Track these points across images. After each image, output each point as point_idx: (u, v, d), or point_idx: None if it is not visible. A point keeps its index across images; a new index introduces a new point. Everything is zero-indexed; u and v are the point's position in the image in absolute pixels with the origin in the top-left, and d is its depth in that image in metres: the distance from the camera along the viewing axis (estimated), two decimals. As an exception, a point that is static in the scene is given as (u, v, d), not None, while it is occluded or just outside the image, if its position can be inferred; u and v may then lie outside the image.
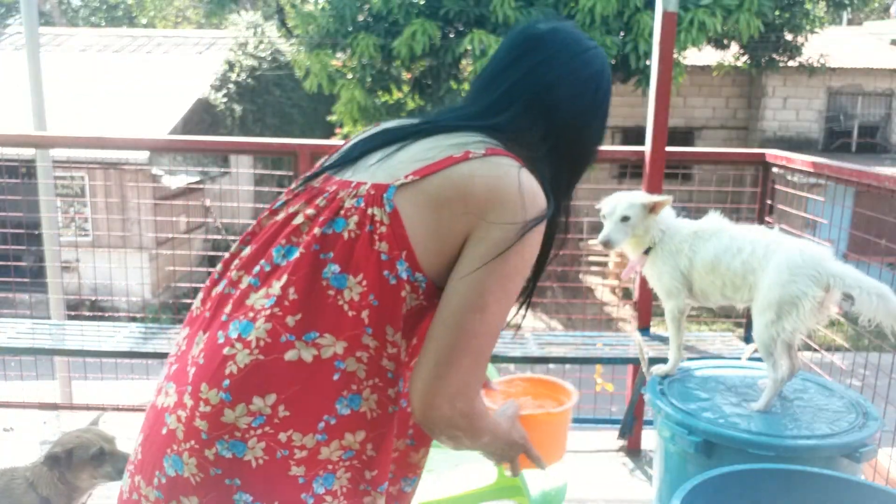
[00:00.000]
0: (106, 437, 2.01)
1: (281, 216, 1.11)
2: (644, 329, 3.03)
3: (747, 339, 3.22)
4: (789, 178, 3.69)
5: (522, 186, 1.03)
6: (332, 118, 9.48)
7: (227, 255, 1.17)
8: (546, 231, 1.10)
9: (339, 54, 9.04)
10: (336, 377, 1.01)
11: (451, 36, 8.61)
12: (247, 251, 1.11)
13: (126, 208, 8.67)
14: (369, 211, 1.02)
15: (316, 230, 1.04)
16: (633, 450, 3.15)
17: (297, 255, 1.03)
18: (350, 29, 8.65)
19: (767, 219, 3.17)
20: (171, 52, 14.37)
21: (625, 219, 2.27)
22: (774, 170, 3.17)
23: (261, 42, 14.58)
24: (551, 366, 3.75)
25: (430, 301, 1.05)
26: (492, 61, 1.19)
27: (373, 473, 1.06)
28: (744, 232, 2.21)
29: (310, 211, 1.07)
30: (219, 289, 1.12)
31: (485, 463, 1.88)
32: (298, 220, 1.07)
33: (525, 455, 1.24)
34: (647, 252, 2.32)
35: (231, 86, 13.24)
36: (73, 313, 4.88)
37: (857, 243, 3.30)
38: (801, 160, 2.94)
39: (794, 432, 1.94)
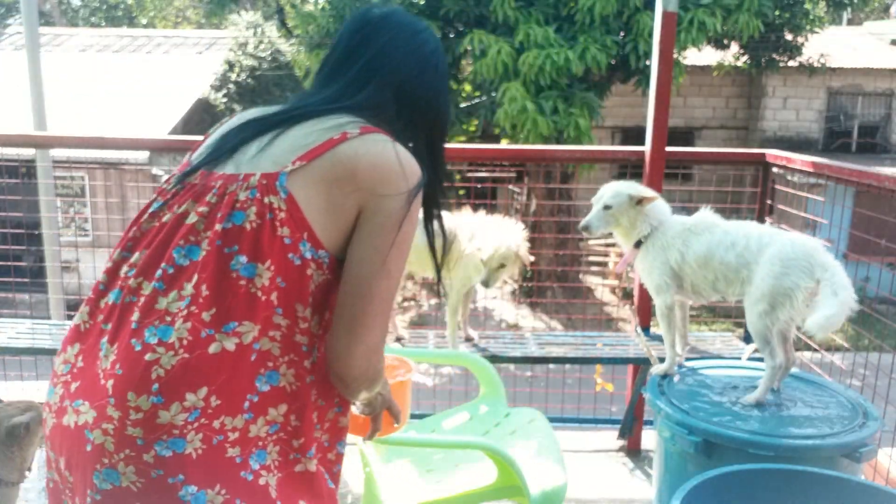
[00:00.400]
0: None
1: (167, 217, 1.12)
2: (644, 329, 3.03)
3: (747, 339, 3.21)
4: (789, 178, 3.69)
5: (400, 158, 1.13)
6: (332, 118, 9.48)
7: (109, 263, 1.16)
8: (425, 195, 1.22)
9: (339, 54, 9.03)
10: (253, 358, 1.06)
11: (451, 36, 8.61)
12: (137, 257, 1.12)
13: (126, 208, 8.64)
14: (266, 200, 1.08)
15: (217, 226, 1.07)
16: (633, 450, 3.15)
17: (202, 253, 1.07)
18: (350, 29, 8.65)
19: (767, 219, 3.17)
20: (171, 52, 14.37)
21: (607, 207, 2.32)
22: (774, 170, 3.17)
23: (261, 42, 14.58)
24: (551, 366, 3.75)
25: (334, 274, 1.12)
26: (335, 47, 1.29)
27: (300, 442, 1.12)
28: (737, 226, 2.23)
29: (202, 208, 1.10)
30: (110, 299, 1.11)
31: (485, 462, 1.88)
32: (191, 219, 1.10)
33: (388, 410, 1.40)
34: (638, 246, 2.34)
35: (231, 86, 13.24)
36: (73, 313, 4.87)
37: (857, 243, 3.30)
38: (801, 160, 2.94)
39: (794, 432, 1.94)
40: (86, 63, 13.12)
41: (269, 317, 1.07)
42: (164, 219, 1.12)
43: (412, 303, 10.92)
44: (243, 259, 1.06)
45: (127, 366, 1.04)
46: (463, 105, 9.23)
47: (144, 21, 23.34)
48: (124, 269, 1.13)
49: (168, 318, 1.05)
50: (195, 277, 1.06)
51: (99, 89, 11.59)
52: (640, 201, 2.30)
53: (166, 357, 1.03)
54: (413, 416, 3.50)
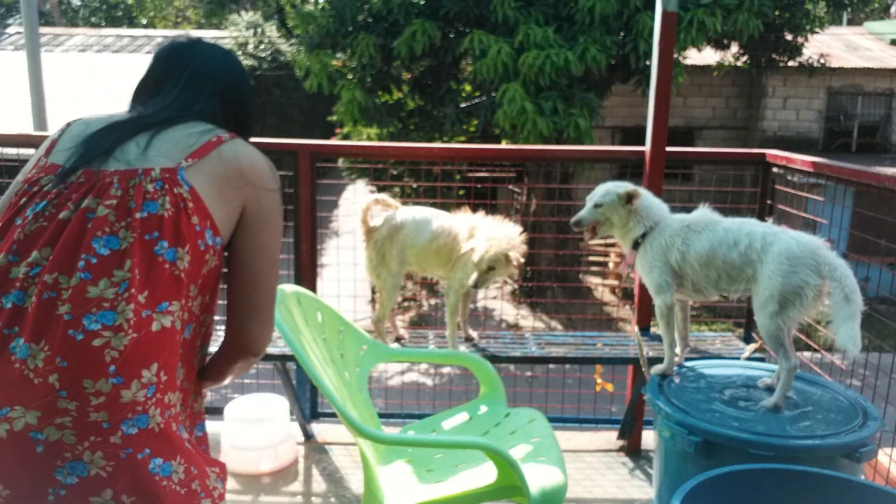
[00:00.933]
0: None
1: (66, 214, 1.17)
2: (644, 329, 3.03)
3: (747, 339, 3.22)
4: (789, 178, 3.69)
5: (265, 158, 1.33)
6: (333, 118, 9.47)
7: None
8: None
9: (339, 54, 9.02)
10: (179, 336, 1.19)
11: (451, 36, 8.60)
12: (37, 256, 1.13)
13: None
14: (176, 191, 1.20)
15: (136, 215, 1.17)
16: (633, 450, 3.15)
17: (123, 242, 1.15)
18: (350, 29, 8.64)
19: (767, 218, 3.16)
20: (171, 52, 14.30)
21: (597, 205, 2.35)
22: (774, 170, 3.17)
23: (261, 42, 14.57)
24: (551, 366, 3.75)
25: (220, 261, 1.26)
26: (152, 69, 1.43)
27: (196, 408, 1.29)
28: (738, 224, 2.22)
29: (109, 202, 1.18)
30: (6, 304, 1.11)
31: (485, 463, 1.88)
32: (101, 212, 1.17)
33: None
34: (636, 247, 2.35)
35: (231, 86, 13.20)
36: None
37: (857, 243, 3.30)
38: (801, 160, 2.94)
39: (794, 432, 1.94)
40: (86, 63, 13.11)
41: (186, 296, 1.19)
42: (62, 216, 1.17)
43: (412, 303, 10.91)
44: (165, 244, 1.17)
45: (73, 356, 1.07)
46: (463, 105, 9.22)
47: (144, 21, 23.34)
48: (21, 270, 1.13)
49: (106, 304, 1.11)
50: (127, 263, 1.13)
51: (99, 89, 11.58)
52: (629, 199, 2.31)
53: (116, 339, 1.09)
54: (413, 416, 3.51)
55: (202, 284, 1.23)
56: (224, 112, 1.40)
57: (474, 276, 2.59)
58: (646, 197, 2.36)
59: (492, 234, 2.59)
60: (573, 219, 2.39)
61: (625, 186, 2.34)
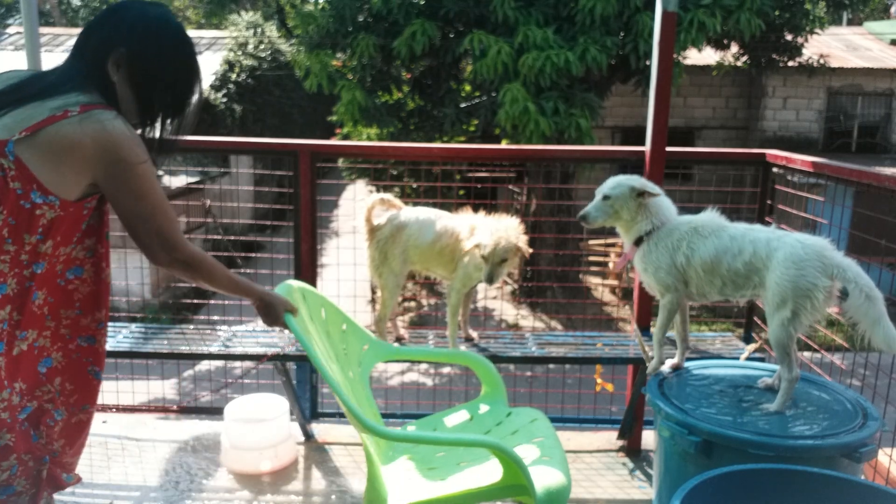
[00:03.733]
0: None
1: None
2: (643, 329, 3.03)
3: (747, 339, 3.22)
4: (789, 178, 3.69)
5: (116, 131, 1.44)
6: (333, 118, 9.48)
7: None
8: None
9: (339, 54, 9.03)
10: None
11: (451, 36, 8.60)
12: None
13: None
14: (0, 160, 1.41)
15: None
16: (633, 450, 3.15)
17: None
18: (350, 29, 8.64)
19: (767, 218, 3.17)
20: (171, 52, 14.30)
21: (606, 197, 2.30)
22: (774, 170, 3.17)
23: (261, 42, 14.58)
24: (551, 366, 3.75)
25: (66, 210, 1.45)
26: (81, 33, 1.57)
27: (20, 331, 1.48)
28: (742, 232, 2.19)
29: None
30: None
31: (489, 462, 1.88)
32: None
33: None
34: (638, 243, 2.31)
35: (231, 86, 13.24)
36: None
37: (857, 243, 3.29)
38: (801, 160, 2.94)
39: (794, 432, 1.94)
40: (86, 63, 13.09)
41: (19, 242, 1.44)
42: None
43: (412, 303, 10.91)
44: None
45: None
46: (463, 105, 9.23)
47: (144, 21, 23.26)
48: None
49: None
50: None
51: (99, 89, 11.56)
52: (641, 194, 2.27)
53: None
54: (412, 416, 3.51)
55: (50, 229, 1.45)
56: (127, 82, 1.52)
57: (486, 269, 2.59)
58: (661, 195, 2.33)
59: (495, 228, 2.60)
60: (581, 212, 2.35)
61: (639, 181, 2.32)
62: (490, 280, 2.60)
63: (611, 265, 10.38)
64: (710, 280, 2.21)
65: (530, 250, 2.65)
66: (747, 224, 2.27)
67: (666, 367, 2.40)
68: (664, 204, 2.33)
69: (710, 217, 2.28)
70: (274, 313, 1.85)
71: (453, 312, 2.80)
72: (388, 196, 2.85)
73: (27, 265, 1.47)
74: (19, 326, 1.48)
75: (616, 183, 2.31)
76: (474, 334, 2.98)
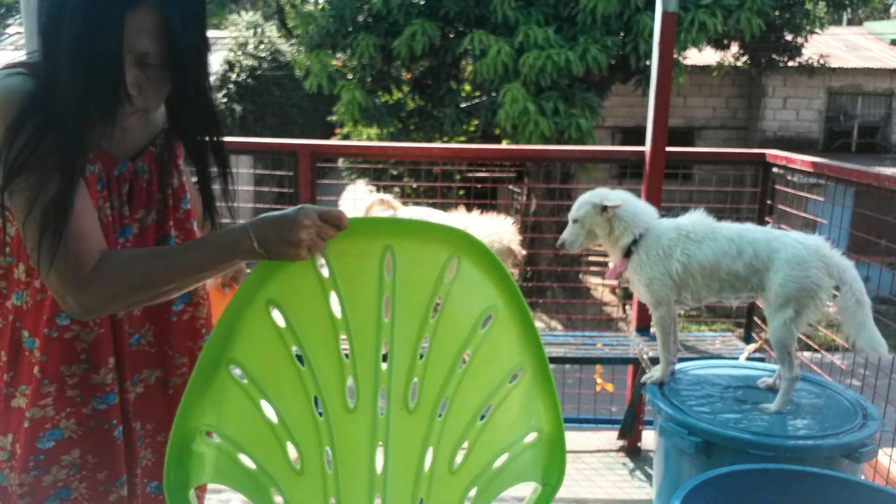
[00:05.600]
0: None
1: None
2: (643, 330, 3.03)
3: (747, 339, 3.22)
4: (789, 178, 3.70)
5: None
6: (333, 118, 9.48)
7: None
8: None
9: (339, 54, 9.03)
10: None
11: (451, 36, 8.61)
12: None
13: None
14: None
15: None
16: (633, 450, 3.15)
17: None
18: (350, 29, 8.65)
19: (767, 218, 3.17)
20: (171, 52, 14.31)
21: (575, 220, 2.24)
22: (774, 170, 3.17)
23: (261, 42, 14.58)
24: (551, 366, 3.74)
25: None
26: None
27: (10, 375, 1.20)
28: (738, 233, 2.15)
29: None
30: None
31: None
32: None
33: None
34: (627, 255, 2.23)
35: (231, 86, 13.24)
36: None
37: (857, 243, 3.30)
38: (801, 160, 2.94)
39: (794, 432, 1.94)
40: (86, 63, 13.10)
41: None
42: None
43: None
44: None
45: None
46: (463, 105, 9.23)
47: (144, 21, 23.31)
48: None
49: None
50: None
51: (99, 89, 11.57)
52: (604, 209, 2.20)
53: None
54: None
55: (19, 248, 1.16)
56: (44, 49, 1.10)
57: None
58: (626, 203, 2.22)
59: (489, 231, 2.58)
60: (558, 241, 2.29)
61: (597, 195, 2.24)
62: None
63: (610, 265, 10.36)
64: (708, 284, 2.16)
65: (524, 252, 2.62)
66: (738, 223, 2.21)
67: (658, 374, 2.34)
68: (638, 210, 2.24)
69: (699, 218, 2.21)
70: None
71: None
72: (388, 197, 2.85)
73: (5, 294, 1.19)
74: (7, 369, 1.20)
75: (580, 203, 2.25)
76: None
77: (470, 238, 1.19)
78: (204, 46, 1.16)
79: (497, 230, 2.59)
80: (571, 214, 2.26)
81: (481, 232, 2.61)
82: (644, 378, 2.29)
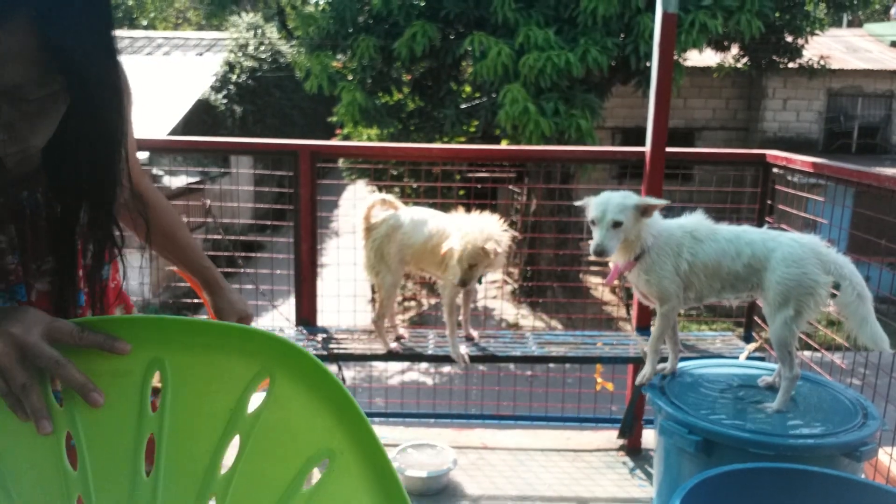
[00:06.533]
0: None
1: None
2: (643, 329, 3.03)
3: (747, 338, 3.22)
4: (789, 178, 3.70)
5: None
6: (333, 119, 9.48)
7: None
8: None
9: (339, 56, 9.03)
10: None
11: (452, 38, 8.61)
12: None
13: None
14: None
15: None
16: (633, 449, 3.15)
17: None
18: (350, 30, 8.65)
19: (768, 219, 3.17)
20: (171, 53, 14.37)
21: (616, 224, 2.11)
22: (775, 170, 3.17)
23: (261, 43, 14.59)
24: (552, 365, 3.75)
25: None
26: None
27: None
28: (735, 233, 2.17)
29: None
30: None
31: None
32: None
33: None
34: (637, 258, 2.21)
35: (231, 87, 13.25)
36: None
37: (857, 243, 3.30)
38: (801, 160, 2.94)
39: (794, 432, 1.94)
40: (86, 64, 13.11)
41: None
42: None
43: (412, 303, 10.91)
44: None
45: None
46: (463, 106, 9.23)
47: (145, 22, 23.35)
48: None
49: None
50: None
51: (99, 90, 11.58)
52: (644, 210, 2.12)
53: None
54: (413, 416, 3.51)
55: None
56: None
57: (458, 275, 2.56)
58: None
59: (466, 230, 2.51)
60: (593, 248, 2.12)
61: (637, 197, 2.16)
62: (463, 284, 2.55)
63: (611, 265, 10.35)
64: (710, 284, 2.19)
65: (501, 249, 2.53)
66: (734, 225, 2.23)
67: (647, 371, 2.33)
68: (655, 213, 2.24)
69: (700, 220, 2.23)
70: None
71: (449, 312, 2.80)
72: (389, 196, 2.85)
73: None
74: None
75: (620, 206, 2.11)
76: (475, 334, 2.98)
77: (289, 346, 0.78)
78: (114, 68, 0.87)
79: (476, 230, 2.49)
80: (612, 217, 2.09)
81: (458, 233, 2.53)
82: (638, 380, 2.29)
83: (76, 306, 1.01)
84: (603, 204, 2.12)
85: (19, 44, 0.78)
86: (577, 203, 2.25)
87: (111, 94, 0.88)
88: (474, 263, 2.51)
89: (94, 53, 0.84)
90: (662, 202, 2.17)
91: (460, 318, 2.88)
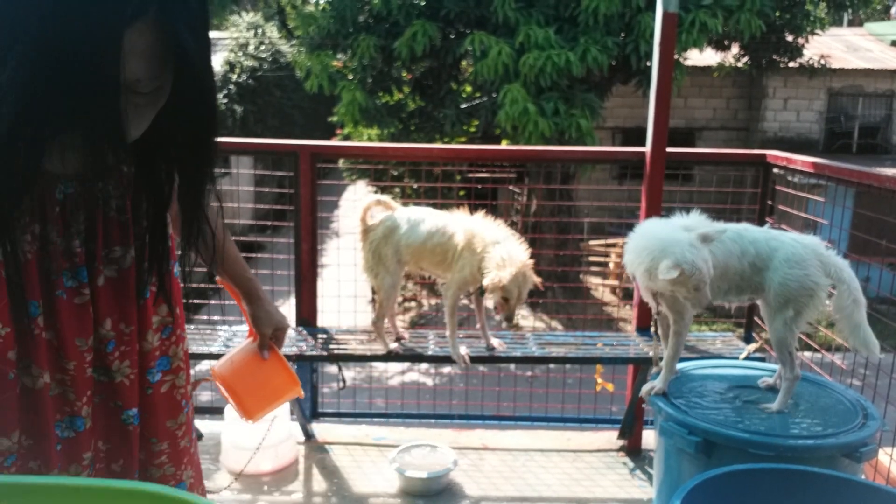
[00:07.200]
0: None
1: None
2: (642, 329, 3.03)
3: (747, 338, 3.22)
4: (790, 178, 3.70)
5: None
6: (333, 119, 9.48)
7: None
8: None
9: (339, 55, 9.04)
10: None
11: (452, 37, 8.61)
12: None
13: (127, 209, 8.64)
14: None
15: None
16: (633, 450, 3.15)
17: None
18: (351, 30, 8.65)
19: (768, 219, 3.17)
20: (171, 52, 14.31)
21: (706, 239, 1.99)
22: (775, 170, 3.17)
23: (261, 43, 14.59)
24: (552, 366, 3.75)
25: None
26: None
27: None
28: (738, 232, 2.15)
29: None
30: None
31: None
32: None
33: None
34: None
35: (232, 87, 13.25)
36: None
37: (858, 244, 3.30)
38: (801, 161, 2.94)
39: (794, 432, 1.94)
40: (87, 64, 13.11)
41: None
42: None
43: (412, 303, 10.91)
44: None
45: None
46: (463, 106, 9.23)
47: (145, 22, 23.32)
48: None
49: None
50: None
51: (100, 90, 11.57)
52: (704, 238, 1.99)
53: None
54: (413, 416, 3.51)
55: None
56: None
57: (507, 311, 2.55)
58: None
59: (501, 262, 2.49)
60: (696, 279, 1.93)
61: (703, 223, 2.07)
62: (510, 319, 2.55)
63: (611, 265, 10.37)
64: (718, 285, 2.17)
65: (537, 280, 2.56)
66: (734, 224, 2.20)
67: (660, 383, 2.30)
68: None
69: (700, 220, 2.18)
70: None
71: (451, 313, 2.80)
72: (385, 197, 2.85)
73: None
74: None
75: (716, 228, 2.03)
76: (496, 342, 2.92)
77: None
78: (209, 61, 0.96)
79: (507, 267, 2.46)
80: (708, 235, 1.98)
81: (494, 263, 2.49)
82: (644, 390, 2.23)
83: (142, 297, 1.09)
84: (699, 265, 1.95)
85: (145, 41, 0.85)
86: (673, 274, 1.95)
87: (213, 83, 0.97)
88: (507, 299, 2.52)
89: (204, 46, 0.91)
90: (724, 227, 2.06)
91: (477, 326, 2.88)
